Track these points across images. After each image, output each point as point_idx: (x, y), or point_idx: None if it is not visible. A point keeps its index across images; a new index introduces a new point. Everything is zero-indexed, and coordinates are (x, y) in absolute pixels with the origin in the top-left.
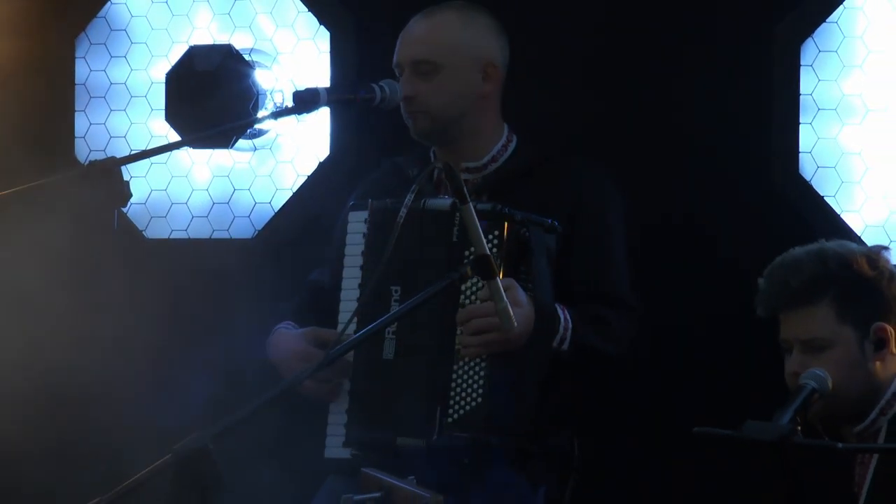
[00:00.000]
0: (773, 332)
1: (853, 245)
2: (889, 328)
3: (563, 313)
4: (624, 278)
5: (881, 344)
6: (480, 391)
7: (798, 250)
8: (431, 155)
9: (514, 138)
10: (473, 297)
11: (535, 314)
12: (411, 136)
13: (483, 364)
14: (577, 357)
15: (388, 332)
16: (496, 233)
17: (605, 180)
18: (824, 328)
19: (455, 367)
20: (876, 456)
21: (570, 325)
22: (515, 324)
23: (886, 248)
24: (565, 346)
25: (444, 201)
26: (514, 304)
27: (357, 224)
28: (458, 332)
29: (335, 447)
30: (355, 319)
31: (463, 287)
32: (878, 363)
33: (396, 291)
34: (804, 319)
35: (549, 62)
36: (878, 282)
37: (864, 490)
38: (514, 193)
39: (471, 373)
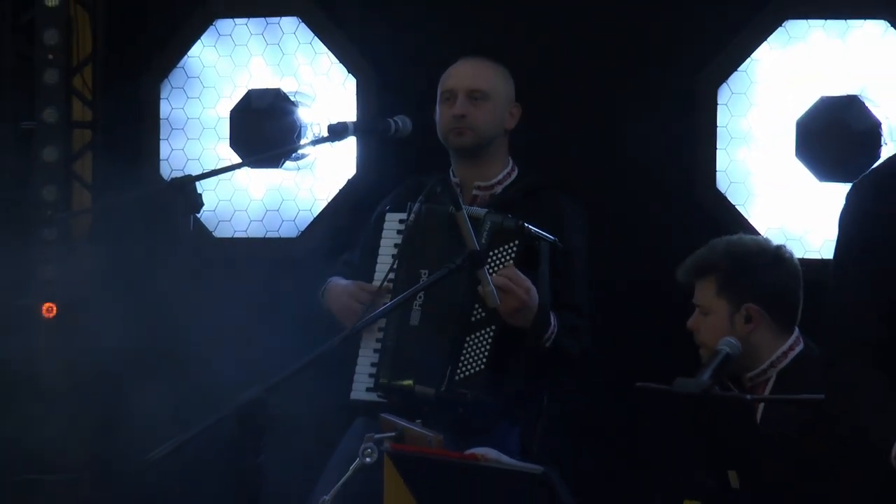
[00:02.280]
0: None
1: (752, 239)
2: (759, 309)
3: (553, 319)
4: (587, 292)
5: (750, 320)
6: (485, 360)
7: (713, 241)
8: (451, 173)
9: (517, 169)
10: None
11: (538, 310)
12: (447, 145)
13: (490, 340)
14: (552, 353)
15: (416, 305)
16: (516, 241)
17: (580, 212)
18: (706, 298)
19: (467, 337)
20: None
21: (556, 330)
22: (498, 302)
23: (784, 246)
24: (548, 344)
25: (479, 210)
26: (517, 284)
27: (393, 223)
28: (474, 308)
29: (360, 391)
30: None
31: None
32: (747, 334)
33: (425, 274)
34: (698, 289)
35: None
36: (761, 270)
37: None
38: (512, 212)
39: (479, 344)
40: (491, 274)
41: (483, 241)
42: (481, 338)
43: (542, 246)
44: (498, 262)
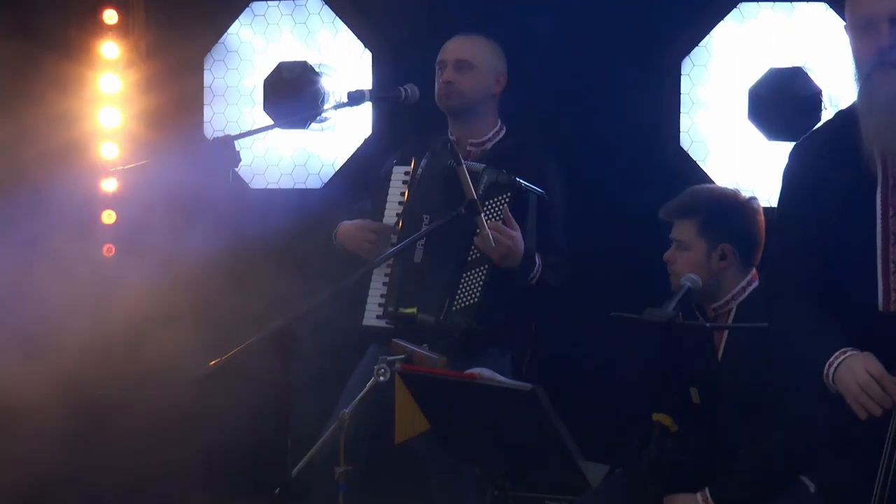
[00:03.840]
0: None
1: (729, 189)
2: (732, 249)
3: (538, 259)
4: (566, 235)
5: (724, 258)
6: (478, 294)
7: (694, 187)
8: (449, 133)
9: (504, 128)
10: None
11: (524, 253)
12: (440, 108)
13: (483, 277)
14: (537, 287)
15: (419, 245)
16: (508, 194)
17: (558, 165)
18: (687, 236)
19: (464, 274)
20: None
21: (540, 269)
22: (493, 245)
23: (755, 198)
24: (534, 281)
25: (478, 165)
26: (504, 235)
27: (399, 175)
28: (471, 249)
29: (371, 318)
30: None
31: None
32: (720, 270)
33: (426, 219)
34: (680, 226)
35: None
36: (738, 216)
37: (720, 350)
38: (501, 165)
39: (474, 281)
40: (485, 218)
41: (480, 192)
42: (476, 275)
43: (530, 198)
44: (492, 210)
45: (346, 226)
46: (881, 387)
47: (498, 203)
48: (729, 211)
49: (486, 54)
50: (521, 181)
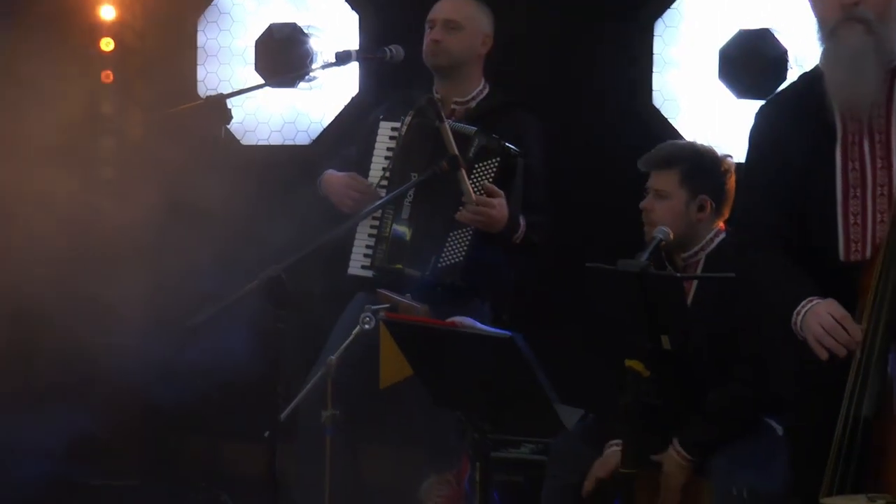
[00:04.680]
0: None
1: (706, 145)
2: (710, 201)
3: (522, 220)
4: (546, 190)
5: (702, 209)
6: (463, 253)
7: (674, 141)
8: (434, 91)
9: (488, 86)
10: (477, 188)
11: (508, 216)
12: (427, 65)
13: (469, 237)
14: (520, 246)
15: (406, 202)
16: (497, 158)
17: (539, 124)
18: (668, 185)
19: (451, 233)
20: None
21: (524, 230)
22: (473, 198)
23: (731, 156)
24: (518, 241)
25: (470, 128)
26: (493, 195)
27: (386, 130)
28: (458, 209)
29: (356, 268)
30: (380, 189)
31: (469, 181)
32: (697, 221)
33: (414, 176)
34: (661, 176)
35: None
36: (716, 171)
37: (689, 299)
38: (484, 122)
39: (460, 239)
40: (473, 181)
41: (470, 154)
42: (462, 235)
43: (518, 162)
44: (482, 172)
45: (334, 176)
46: (844, 329)
47: (487, 167)
48: (710, 165)
49: (474, 15)
50: (511, 146)
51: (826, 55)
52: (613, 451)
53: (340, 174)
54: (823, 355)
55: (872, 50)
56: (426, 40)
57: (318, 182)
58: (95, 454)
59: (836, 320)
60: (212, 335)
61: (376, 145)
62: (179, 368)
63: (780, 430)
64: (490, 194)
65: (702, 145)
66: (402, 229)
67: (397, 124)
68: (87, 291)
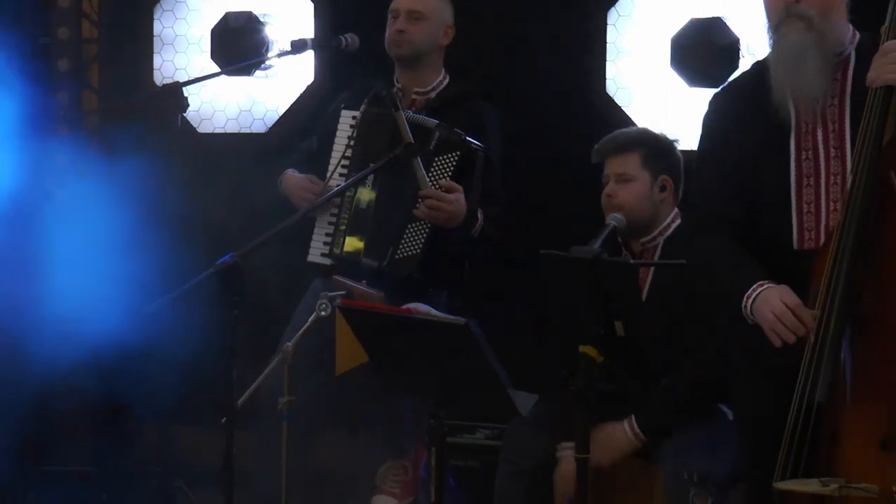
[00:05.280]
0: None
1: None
2: (671, 181)
3: (480, 215)
4: (503, 183)
5: (664, 189)
6: (421, 245)
7: (627, 128)
8: (395, 80)
9: (448, 77)
10: (436, 182)
11: (466, 210)
12: (390, 55)
13: (427, 230)
14: (478, 240)
15: (365, 191)
16: (458, 153)
17: (497, 114)
18: (631, 168)
19: (409, 225)
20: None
21: (482, 224)
22: (429, 186)
23: (677, 140)
24: (475, 235)
25: (431, 121)
26: (452, 190)
27: (347, 119)
28: (417, 202)
29: (315, 255)
30: (339, 176)
31: (429, 174)
32: (661, 201)
33: (371, 166)
34: (621, 160)
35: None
36: (673, 152)
37: (646, 285)
38: (443, 112)
39: (418, 231)
40: (433, 174)
41: (431, 147)
42: (420, 227)
43: (478, 156)
44: (441, 166)
45: (293, 178)
46: (795, 316)
47: (447, 160)
48: (666, 146)
49: (436, 7)
50: (471, 140)
51: (771, 50)
52: (567, 456)
53: (300, 176)
54: (776, 342)
55: (814, 45)
56: (389, 30)
57: (279, 182)
58: (52, 441)
59: (787, 307)
60: (168, 322)
61: (337, 133)
62: (136, 355)
63: (730, 415)
64: (448, 190)
65: (651, 129)
66: (362, 218)
67: (357, 113)
68: (39, 278)
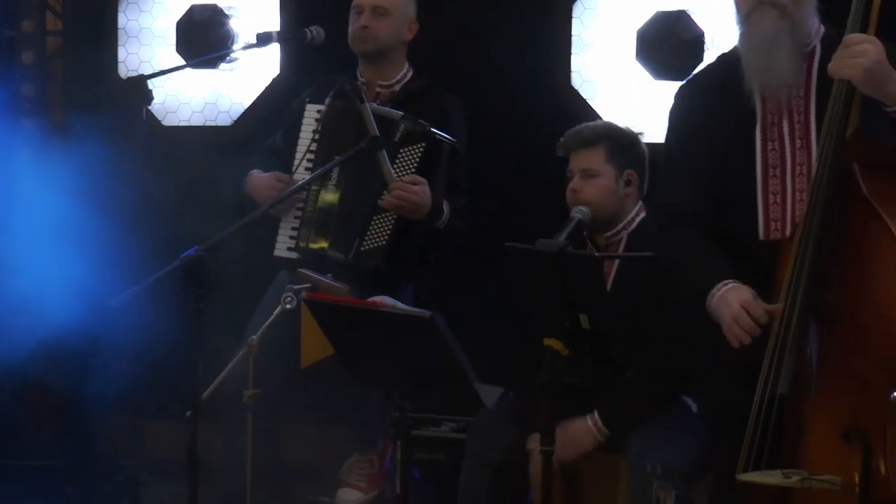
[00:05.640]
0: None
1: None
2: (636, 175)
3: (446, 207)
4: (468, 175)
5: (629, 184)
6: (386, 237)
7: (591, 122)
8: (358, 74)
9: (412, 70)
10: (402, 173)
11: (431, 202)
12: (354, 50)
13: (392, 223)
14: (444, 232)
15: (330, 184)
16: (423, 144)
17: (461, 107)
18: (596, 164)
19: (375, 217)
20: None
21: (447, 216)
22: (395, 179)
23: (642, 133)
24: (442, 227)
25: (396, 113)
26: (416, 183)
27: (311, 113)
28: (382, 194)
29: (282, 250)
30: (305, 170)
31: (394, 166)
32: (625, 196)
33: (337, 159)
34: (586, 155)
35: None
36: (638, 145)
37: (610, 278)
38: (408, 105)
39: (383, 225)
40: (398, 166)
41: (396, 139)
42: (385, 219)
43: (443, 148)
44: (406, 158)
45: (258, 177)
46: (751, 317)
47: (412, 152)
48: (631, 139)
49: (400, 2)
50: (436, 132)
51: (742, 39)
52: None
53: (264, 175)
54: (734, 343)
55: (786, 33)
56: (353, 26)
57: (244, 182)
58: (17, 435)
59: (743, 308)
60: (133, 315)
61: (302, 128)
62: (101, 348)
63: (694, 407)
64: (413, 182)
65: (615, 123)
66: (328, 211)
67: (322, 107)
68: (6, 272)
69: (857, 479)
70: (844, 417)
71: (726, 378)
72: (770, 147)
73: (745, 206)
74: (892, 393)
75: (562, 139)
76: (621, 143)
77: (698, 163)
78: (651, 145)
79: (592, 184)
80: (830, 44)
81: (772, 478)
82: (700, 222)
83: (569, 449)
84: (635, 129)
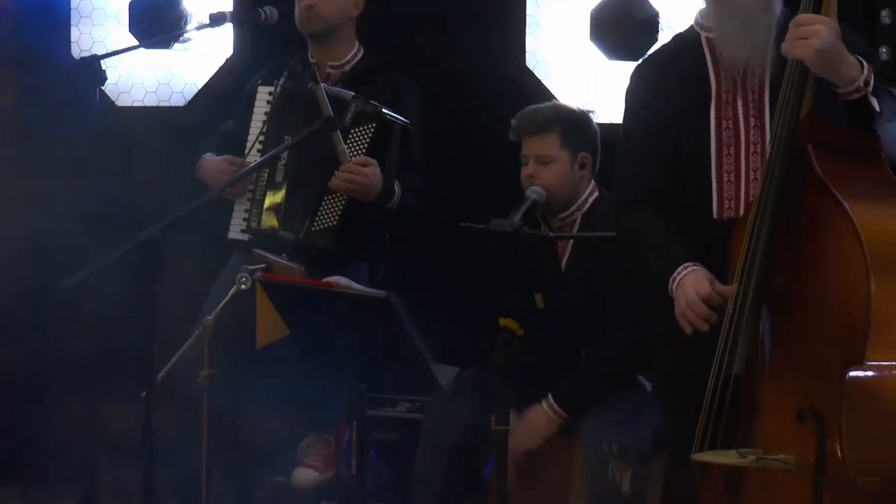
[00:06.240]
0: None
1: (569, 105)
2: (589, 157)
3: (397, 187)
4: (422, 154)
5: (584, 167)
6: (337, 217)
7: (538, 105)
8: (309, 55)
9: (362, 49)
10: (353, 154)
11: (383, 184)
12: (302, 31)
13: (343, 203)
14: (396, 212)
15: (280, 165)
16: (373, 124)
17: (414, 86)
18: (550, 149)
19: (326, 197)
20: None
21: (399, 197)
22: (349, 160)
23: (593, 111)
24: (394, 207)
25: (347, 93)
26: (366, 164)
27: (263, 95)
28: (333, 174)
29: (236, 232)
30: (257, 152)
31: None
32: (580, 178)
33: (288, 140)
34: (540, 141)
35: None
36: (590, 126)
37: (564, 259)
38: (358, 85)
39: (334, 205)
40: (349, 146)
41: (347, 120)
42: (336, 199)
43: (394, 128)
44: (357, 138)
45: (210, 161)
46: (707, 304)
47: (363, 133)
48: (583, 120)
49: None
50: (387, 112)
51: (718, 14)
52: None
53: (217, 159)
54: (687, 329)
55: (764, 9)
56: (299, 7)
57: (197, 167)
58: None
59: (698, 295)
60: (87, 296)
61: (255, 110)
62: (54, 329)
63: (649, 386)
64: (363, 164)
65: (564, 104)
66: (276, 192)
67: (274, 88)
68: None
69: (811, 459)
70: (798, 398)
71: (683, 357)
72: (724, 126)
73: (699, 186)
74: (847, 373)
75: (514, 123)
76: (574, 126)
77: (655, 143)
78: (605, 125)
79: (548, 169)
80: (784, 24)
81: (727, 457)
82: (658, 203)
83: (531, 438)
84: (585, 108)
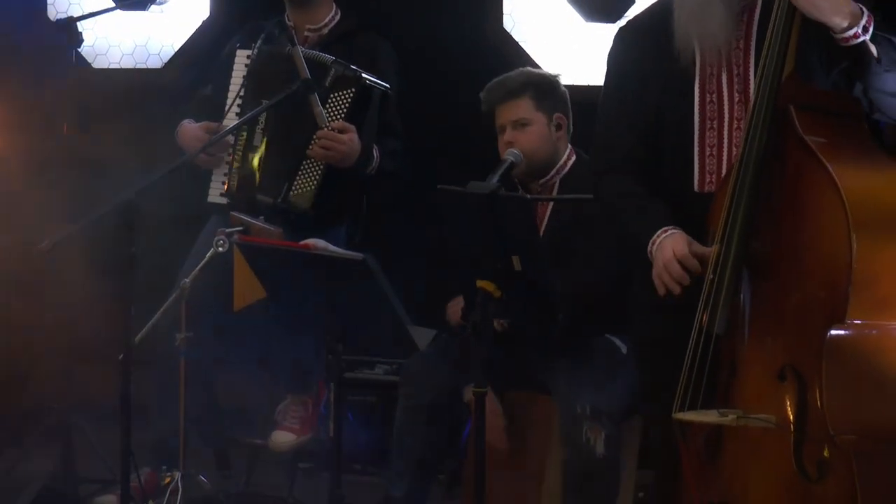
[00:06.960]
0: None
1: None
2: (564, 118)
3: (376, 152)
4: (400, 118)
5: (560, 127)
6: (315, 182)
7: (508, 73)
8: (286, 18)
9: (339, 13)
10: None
11: (361, 150)
12: None
13: (321, 167)
14: (376, 175)
15: (258, 129)
16: (353, 89)
17: (391, 49)
18: (526, 113)
19: (304, 162)
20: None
21: (378, 161)
22: (327, 123)
23: (559, 75)
24: (372, 172)
25: (327, 57)
26: (344, 131)
27: (241, 58)
28: (312, 140)
29: (215, 196)
30: (235, 115)
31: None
32: (558, 140)
33: (265, 103)
34: (514, 106)
35: None
36: (559, 88)
37: (543, 222)
38: (336, 48)
39: (312, 169)
40: (328, 111)
41: (327, 84)
42: (314, 163)
43: (374, 93)
44: (336, 103)
45: (188, 128)
46: (682, 266)
47: (343, 96)
48: (552, 82)
49: None
50: (367, 77)
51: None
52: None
53: (194, 126)
54: (661, 291)
55: None
56: None
57: (175, 133)
58: None
59: (675, 256)
60: (64, 258)
61: (233, 74)
62: (31, 291)
63: (623, 348)
64: (341, 130)
65: (533, 69)
66: (254, 155)
67: (251, 52)
68: None
69: (791, 417)
70: (779, 357)
71: (662, 318)
72: (708, 99)
73: (680, 158)
74: (829, 332)
75: (483, 96)
76: (544, 87)
77: (636, 109)
78: (582, 87)
79: (526, 132)
80: None
81: (708, 416)
82: (637, 169)
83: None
84: (552, 72)
